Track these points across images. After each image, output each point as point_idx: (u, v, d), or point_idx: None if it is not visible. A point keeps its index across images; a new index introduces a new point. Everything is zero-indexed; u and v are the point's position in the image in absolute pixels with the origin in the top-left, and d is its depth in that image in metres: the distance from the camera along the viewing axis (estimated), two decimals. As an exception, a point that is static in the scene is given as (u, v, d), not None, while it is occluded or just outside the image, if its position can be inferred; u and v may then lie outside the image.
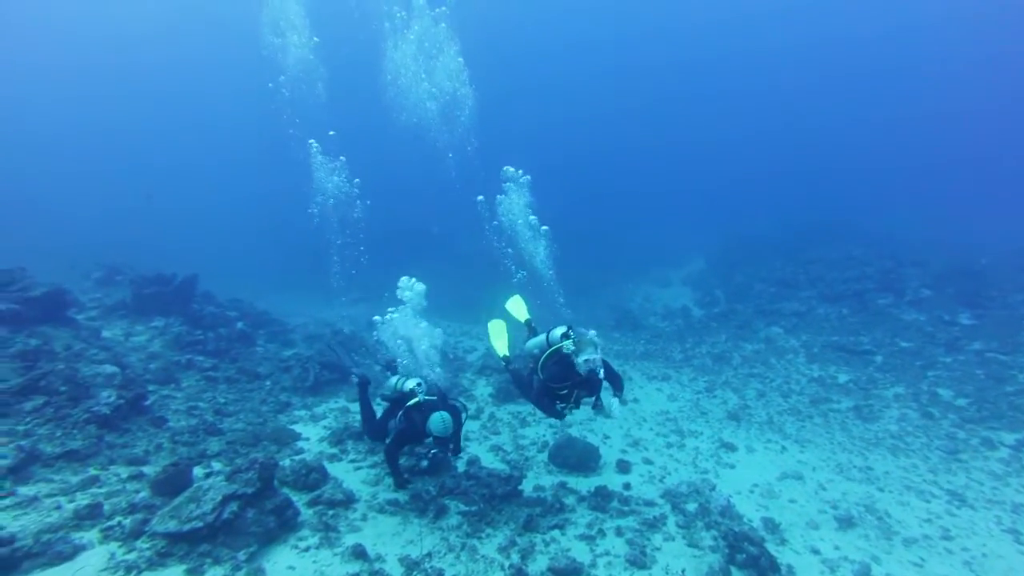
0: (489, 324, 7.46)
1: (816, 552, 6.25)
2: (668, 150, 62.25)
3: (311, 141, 10.46)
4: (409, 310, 7.24)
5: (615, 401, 5.80)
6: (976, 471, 8.24)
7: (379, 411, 6.80)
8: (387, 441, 6.17)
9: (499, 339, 7.24)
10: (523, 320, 7.30)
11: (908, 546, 6.63)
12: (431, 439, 5.72)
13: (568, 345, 5.72)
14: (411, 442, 6.05)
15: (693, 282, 21.98)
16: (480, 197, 9.00)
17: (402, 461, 6.58)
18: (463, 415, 6.37)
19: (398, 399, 6.26)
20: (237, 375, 10.40)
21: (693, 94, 62.09)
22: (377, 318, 7.61)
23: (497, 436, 9.02)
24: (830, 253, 19.69)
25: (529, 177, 8.44)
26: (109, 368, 7.92)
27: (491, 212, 8.58)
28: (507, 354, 7.05)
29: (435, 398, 6.14)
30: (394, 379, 6.60)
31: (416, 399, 5.94)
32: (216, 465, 6.65)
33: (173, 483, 5.41)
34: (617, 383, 6.11)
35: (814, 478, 8.17)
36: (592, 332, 5.82)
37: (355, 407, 9.69)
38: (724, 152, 60.17)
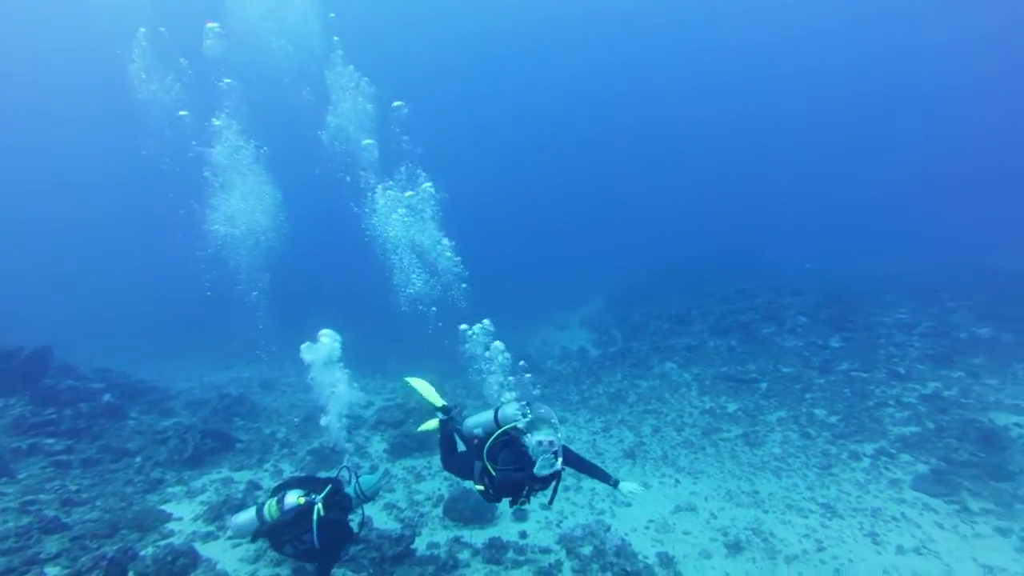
0: (409, 380, 7.00)
1: (705, 579, 6.96)
2: (572, 189, 65.81)
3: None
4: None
5: (632, 485, 5.33)
6: (845, 483, 9.49)
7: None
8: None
9: (427, 390, 6.71)
10: (437, 406, 6.53)
11: (790, 563, 7.54)
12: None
13: (523, 423, 5.24)
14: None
15: (591, 323, 23.22)
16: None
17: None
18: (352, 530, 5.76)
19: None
20: (99, 455, 9.90)
21: (595, 130, 66.64)
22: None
23: (391, 493, 9.18)
24: (721, 287, 21.82)
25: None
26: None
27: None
28: (444, 403, 6.51)
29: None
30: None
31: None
32: (51, 571, 6.25)
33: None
34: (594, 469, 5.55)
35: (706, 508, 9.02)
36: (547, 408, 5.38)
37: (239, 475, 9.59)
38: (627, 188, 64.62)
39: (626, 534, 8.02)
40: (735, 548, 7.83)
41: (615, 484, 5.40)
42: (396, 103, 11.45)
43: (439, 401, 6.51)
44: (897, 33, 50.96)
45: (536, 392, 15.67)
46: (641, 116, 65.12)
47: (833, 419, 11.73)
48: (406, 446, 10.80)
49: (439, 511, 8.44)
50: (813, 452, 10.66)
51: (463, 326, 6.36)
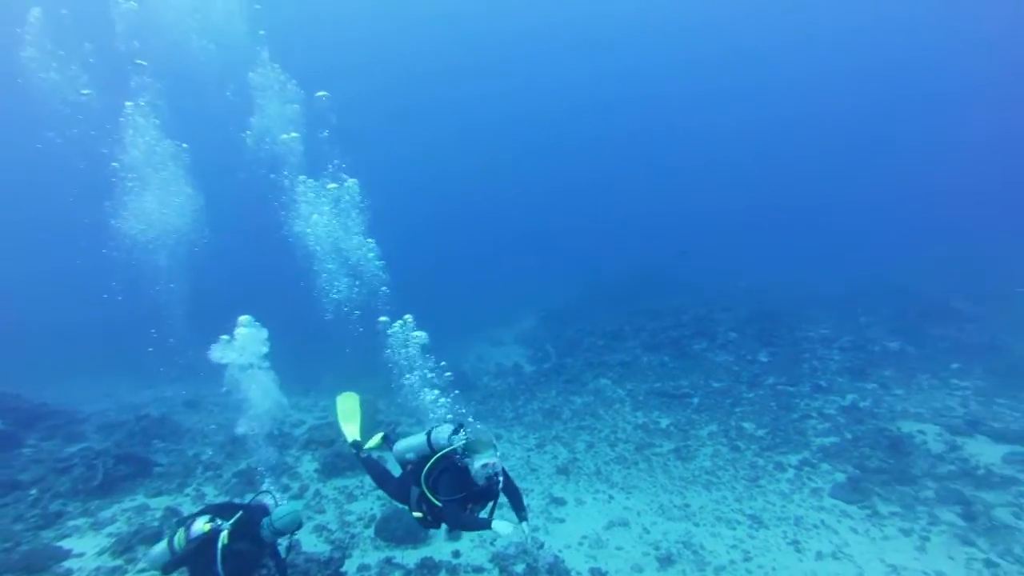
0: (338, 399, 6.76)
1: (635, 592, 7.08)
2: (501, 205, 66.18)
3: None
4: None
5: (507, 524, 4.80)
6: (771, 493, 9.89)
7: None
8: None
9: (349, 419, 6.51)
10: (349, 441, 6.26)
11: (718, 574, 7.78)
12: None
13: (460, 446, 5.03)
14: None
15: (526, 339, 23.37)
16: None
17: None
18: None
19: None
20: (-18, 490, 9.08)
21: (530, 147, 67.67)
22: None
23: (322, 515, 8.96)
24: (654, 303, 22.49)
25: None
26: None
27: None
28: (358, 439, 6.25)
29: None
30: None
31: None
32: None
33: None
34: (516, 497, 5.43)
35: (639, 522, 9.20)
36: (483, 427, 5.26)
37: (156, 502, 9.13)
38: (558, 203, 65.52)
39: (559, 551, 8.09)
40: (666, 562, 8.02)
41: (522, 519, 5.32)
42: (320, 93, 11.25)
43: (353, 435, 6.31)
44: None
45: (467, 410, 15.78)
46: (576, 131, 66.82)
47: (761, 432, 12.23)
48: (337, 466, 10.54)
49: (371, 531, 8.27)
50: (742, 465, 11.06)
51: (383, 318, 6.27)
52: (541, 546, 7.94)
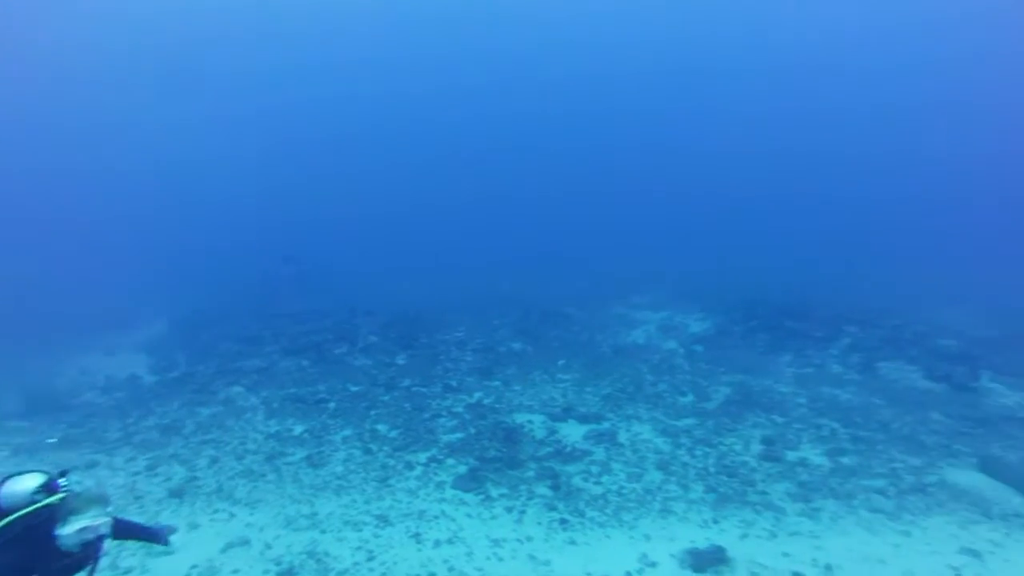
0: None
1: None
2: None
3: None
4: None
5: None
6: (399, 491, 10.31)
7: None
8: None
9: None
10: None
11: (340, 578, 7.71)
12: None
13: (51, 503, 3.66)
14: None
15: (150, 345, 20.21)
16: None
17: None
18: None
19: None
20: None
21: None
22: None
23: None
24: (297, 306, 21.72)
25: None
26: None
27: None
28: None
29: None
30: None
31: None
32: None
33: None
34: (142, 531, 4.62)
35: (261, 539, 8.58)
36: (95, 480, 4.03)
37: None
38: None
39: (157, 589, 6.96)
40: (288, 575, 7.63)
41: (166, 542, 4.62)
42: None
43: None
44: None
45: (57, 434, 12.72)
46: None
47: (394, 433, 12.71)
48: None
49: None
50: (373, 467, 11.29)
51: None
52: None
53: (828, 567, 7.91)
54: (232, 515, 9.25)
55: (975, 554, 8.11)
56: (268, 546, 8.40)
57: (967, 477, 10.38)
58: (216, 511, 9.37)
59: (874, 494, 9.80)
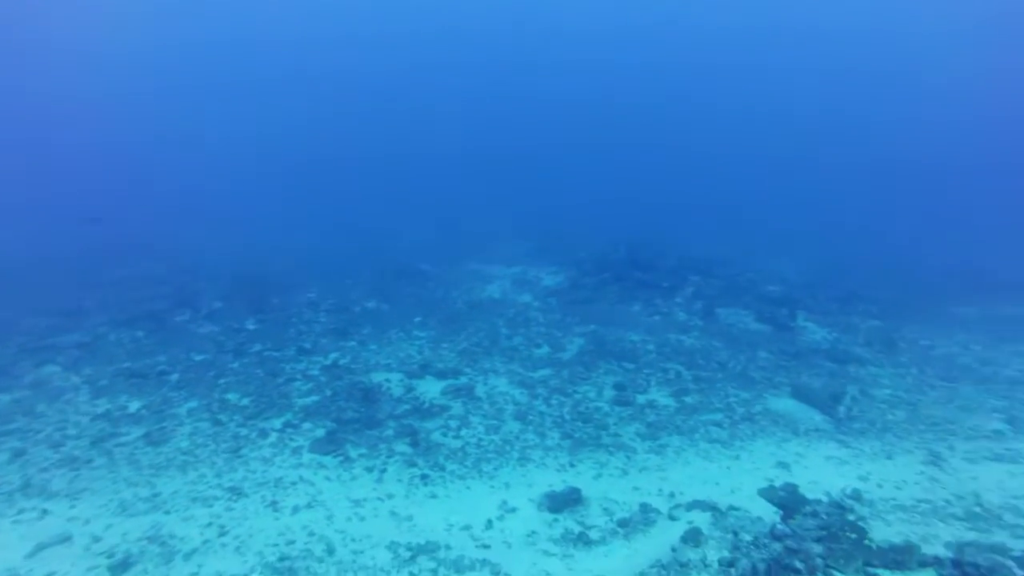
0: None
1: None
2: None
3: None
4: None
5: None
6: (253, 461, 9.79)
7: None
8: None
9: None
10: None
11: (188, 559, 7.25)
12: None
13: None
14: None
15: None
16: None
17: None
18: None
19: None
20: None
21: None
22: None
23: None
24: (126, 273, 19.50)
25: None
26: None
27: None
28: None
29: None
30: None
31: None
32: None
33: None
34: None
35: (87, 532, 7.80)
36: None
37: None
38: None
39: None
40: (123, 567, 7.04)
41: None
42: None
43: None
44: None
45: None
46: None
47: (245, 401, 11.99)
48: None
49: None
50: (224, 438, 10.60)
51: None
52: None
53: (671, 495, 8.79)
54: (45, 512, 8.25)
55: (785, 465, 9.60)
56: (96, 539, 7.62)
57: (783, 403, 12.03)
58: (21, 511, 8.29)
59: (712, 427, 11.01)
